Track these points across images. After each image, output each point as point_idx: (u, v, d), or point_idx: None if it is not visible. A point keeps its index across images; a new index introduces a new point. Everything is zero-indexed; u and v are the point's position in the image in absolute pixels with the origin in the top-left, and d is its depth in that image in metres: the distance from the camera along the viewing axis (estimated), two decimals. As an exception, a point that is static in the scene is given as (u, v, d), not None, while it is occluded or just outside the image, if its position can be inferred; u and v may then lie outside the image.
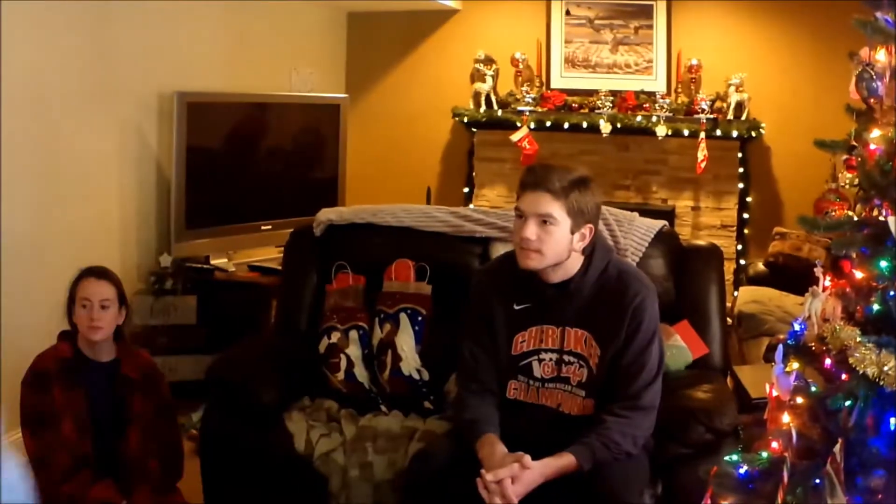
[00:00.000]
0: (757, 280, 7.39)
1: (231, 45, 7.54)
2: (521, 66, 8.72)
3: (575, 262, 3.79)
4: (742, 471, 3.02)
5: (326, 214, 5.16)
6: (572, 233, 3.71)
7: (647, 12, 8.59)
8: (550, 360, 3.82)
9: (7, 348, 5.37)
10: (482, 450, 3.65)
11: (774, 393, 3.14)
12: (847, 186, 7.58)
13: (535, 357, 3.85)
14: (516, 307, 3.88)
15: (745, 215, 8.50)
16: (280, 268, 6.73)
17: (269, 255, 7.42)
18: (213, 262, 6.98)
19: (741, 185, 8.45)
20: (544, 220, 3.68)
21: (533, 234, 3.68)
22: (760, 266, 7.56)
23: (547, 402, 3.83)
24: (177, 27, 6.80)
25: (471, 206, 8.70)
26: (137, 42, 6.42)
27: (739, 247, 8.40)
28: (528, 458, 3.51)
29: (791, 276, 7.07)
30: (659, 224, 4.84)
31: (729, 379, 4.84)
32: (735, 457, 3.11)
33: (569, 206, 3.67)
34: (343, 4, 9.18)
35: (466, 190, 9.00)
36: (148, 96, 6.59)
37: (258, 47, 7.89)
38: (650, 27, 8.60)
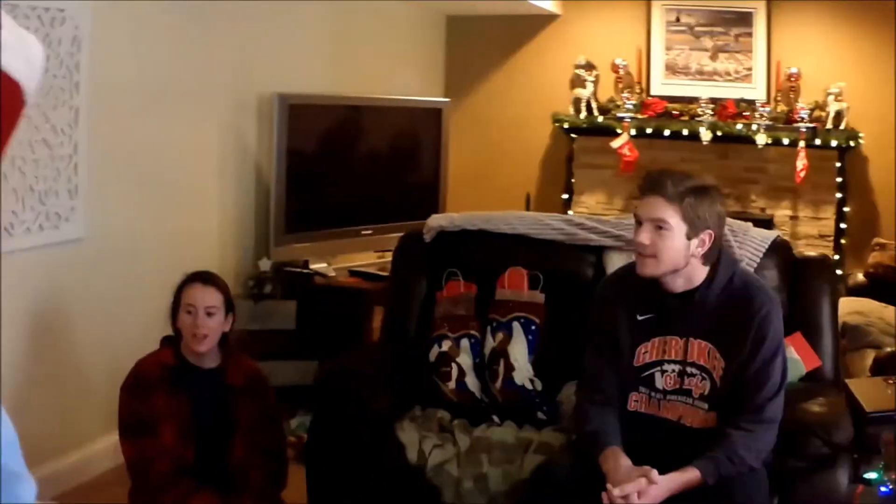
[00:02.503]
0: (856, 291, 7.33)
1: (330, 46, 7.56)
2: (621, 72, 8.72)
3: (698, 272, 3.76)
4: (884, 489, 3.01)
5: (437, 220, 5.13)
6: (689, 238, 3.67)
7: (746, 20, 8.56)
8: (673, 371, 3.78)
9: (105, 353, 5.44)
10: (606, 463, 3.62)
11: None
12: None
13: (658, 368, 3.80)
14: (639, 317, 3.84)
15: (843, 225, 8.44)
16: (381, 273, 6.78)
17: (369, 260, 7.44)
18: (312, 266, 6.96)
19: (839, 195, 8.40)
20: (659, 226, 3.66)
21: (647, 240, 3.67)
22: (860, 277, 7.50)
23: (668, 415, 3.79)
24: (276, 27, 6.82)
25: (570, 212, 8.69)
26: (236, 43, 6.46)
27: (837, 257, 8.31)
28: (655, 472, 3.49)
29: (891, 287, 7.03)
30: (773, 234, 4.79)
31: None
32: (875, 475, 3.10)
33: (683, 212, 3.64)
34: (442, 6, 9.17)
35: (565, 196, 8.99)
36: (247, 98, 6.61)
37: (357, 49, 7.90)
38: (750, 35, 8.56)
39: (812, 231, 8.38)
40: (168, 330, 4.39)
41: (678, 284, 3.77)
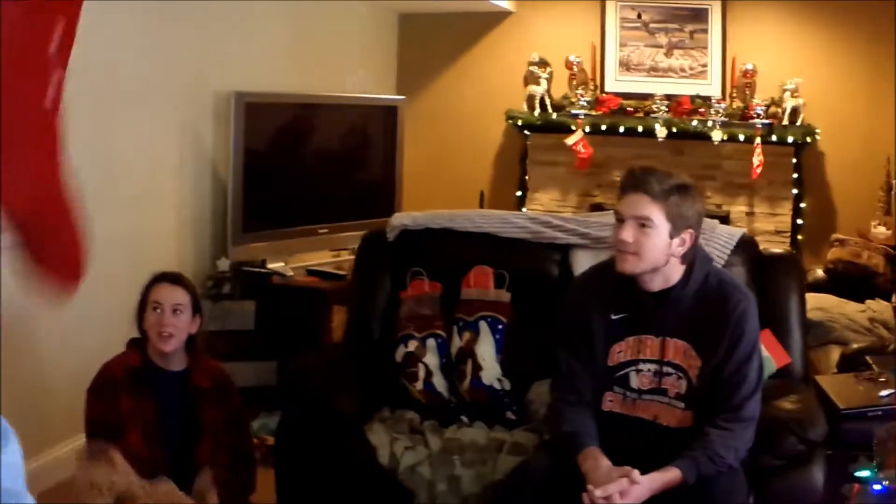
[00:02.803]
0: (816, 287, 7.32)
1: (286, 45, 7.50)
2: (575, 68, 8.68)
3: (675, 271, 3.74)
4: (878, 487, 2.99)
5: (400, 219, 5.08)
6: (671, 238, 3.65)
7: (702, 16, 8.55)
8: (649, 370, 3.76)
9: (67, 354, 5.36)
10: (585, 463, 3.59)
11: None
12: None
13: (633, 368, 3.78)
14: (613, 317, 3.81)
15: (799, 221, 8.45)
16: (339, 272, 6.75)
17: (325, 259, 7.39)
18: (269, 266, 6.87)
19: (795, 191, 8.40)
20: (642, 224, 3.64)
21: (630, 237, 3.65)
22: (819, 273, 7.49)
23: (643, 415, 3.77)
24: (232, 26, 6.74)
25: (524, 209, 8.66)
26: (193, 42, 6.37)
27: (793, 253, 8.32)
28: (636, 472, 3.47)
29: (850, 282, 7.04)
30: (740, 232, 4.78)
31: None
32: (867, 472, 3.08)
33: (668, 210, 3.63)
34: (394, 5, 9.12)
35: (519, 194, 8.95)
36: (205, 96, 6.54)
37: (312, 48, 7.85)
38: (705, 31, 8.55)
39: (768, 227, 8.38)
40: (132, 332, 4.32)
41: (656, 283, 3.75)
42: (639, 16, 8.66)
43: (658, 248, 3.65)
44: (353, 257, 7.19)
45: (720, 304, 3.73)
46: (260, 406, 5.91)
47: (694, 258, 3.78)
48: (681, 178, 3.74)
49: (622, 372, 3.80)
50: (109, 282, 5.08)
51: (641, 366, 3.78)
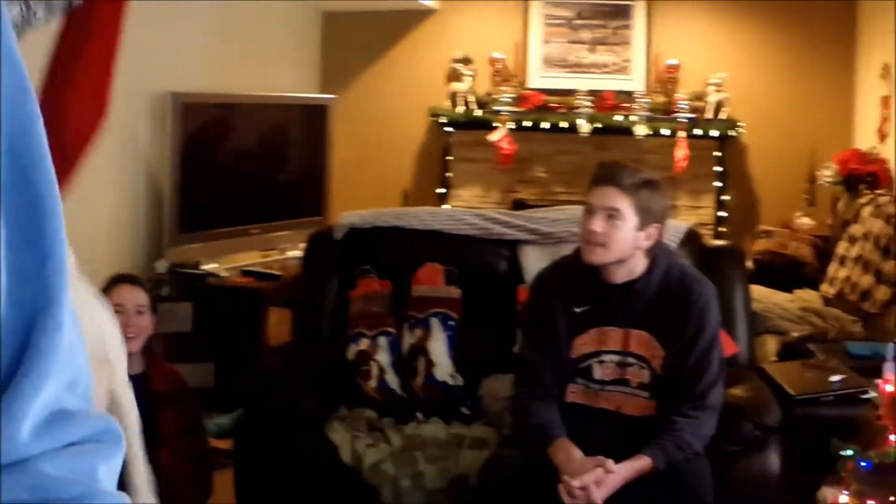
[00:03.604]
0: (744, 278, 7.45)
1: (213, 45, 7.43)
2: (498, 65, 8.73)
3: (639, 263, 3.81)
4: (863, 464, 3.10)
5: (348, 218, 5.07)
6: (638, 230, 3.73)
7: (625, 12, 8.62)
8: (612, 361, 3.83)
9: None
10: (557, 455, 3.64)
11: (889, 389, 3.19)
12: (826, 185, 7.73)
13: (596, 359, 3.84)
14: (576, 309, 3.87)
15: (723, 214, 8.56)
16: (273, 272, 6.74)
17: (256, 259, 7.36)
18: (204, 267, 6.82)
19: (719, 184, 8.52)
20: (611, 215, 3.71)
21: (599, 227, 3.71)
22: (748, 264, 7.61)
23: (606, 405, 3.83)
24: (162, 25, 6.68)
25: (445, 206, 8.69)
26: (126, 41, 6.32)
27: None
28: (610, 462, 3.53)
29: (778, 273, 7.16)
30: (685, 225, 4.88)
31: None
32: (850, 452, 3.18)
33: (636, 203, 3.71)
34: (318, 4, 9.11)
35: (442, 191, 8.98)
36: (139, 97, 6.50)
37: (239, 47, 7.80)
38: (628, 27, 8.63)
39: (691, 220, 8.44)
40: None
41: (620, 275, 3.81)
42: (579, 15, 8.72)
43: (625, 240, 3.73)
44: (283, 257, 7.23)
45: (683, 295, 3.81)
46: (203, 408, 5.91)
47: (657, 251, 3.85)
48: (650, 173, 3.83)
49: (585, 363, 3.86)
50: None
51: (604, 357, 3.84)
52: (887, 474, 3.05)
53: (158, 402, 4.23)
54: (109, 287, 4.25)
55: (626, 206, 3.70)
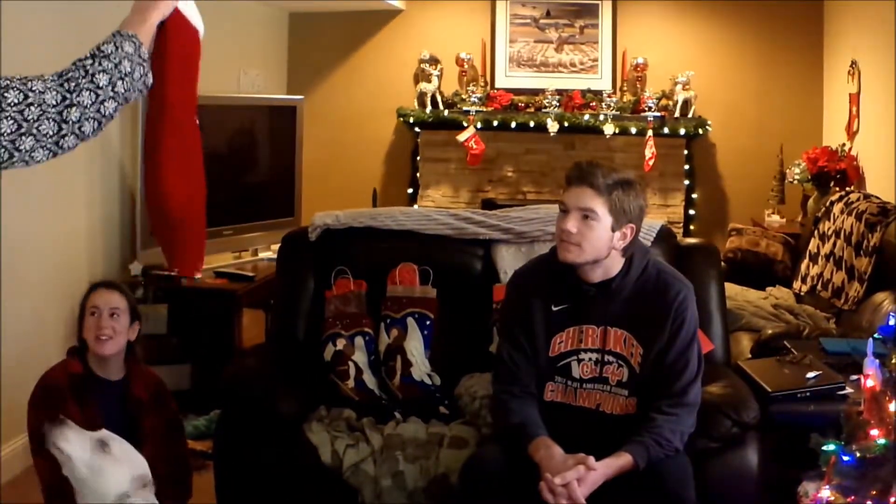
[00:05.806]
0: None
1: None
2: (466, 65, 8.74)
3: (615, 262, 3.82)
4: (846, 458, 3.12)
5: (322, 219, 5.05)
6: (613, 231, 3.73)
7: (592, 12, 8.68)
8: (591, 360, 3.84)
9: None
10: (538, 453, 3.64)
11: (870, 384, 3.21)
12: (795, 182, 7.77)
13: (574, 357, 3.85)
14: (554, 308, 3.88)
15: (692, 212, 8.60)
16: (247, 273, 6.74)
17: (227, 260, 7.35)
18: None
19: (687, 182, 8.56)
20: (586, 215, 3.71)
21: (574, 227, 3.71)
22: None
23: (585, 403, 3.85)
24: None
25: (415, 206, 8.70)
26: (97, 40, 6.27)
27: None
28: (592, 459, 3.54)
29: (750, 270, 7.20)
30: (658, 223, 4.88)
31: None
32: (832, 447, 3.20)
33: (611, 204, 3.71)
34: (284, 5, 9.12)
35: (411, 191, 8.99)
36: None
37: (205, 48, 7.77)
38: (595, 26, 8.68)
39: (661, 218, 8.49)
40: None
41: (596, 275, 3.83)
42: (548, 13, 8.73)
43: (600, 241, 3.73)
44: (255, 258, 7.21)
45: (660, 293, 3.84)
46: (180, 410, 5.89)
47: (633, 250, 3.86)
48: (624, 173, 3.81)
49: (563, 362, 3.87)
50: (22, 284, 5.03)
51: (583, 355, 3.85)
52: (869, 468, 3.07)
53: (140, 407, 4.25)
54: (88, 293, 4.28)
55: (600, 207, 3.71)
